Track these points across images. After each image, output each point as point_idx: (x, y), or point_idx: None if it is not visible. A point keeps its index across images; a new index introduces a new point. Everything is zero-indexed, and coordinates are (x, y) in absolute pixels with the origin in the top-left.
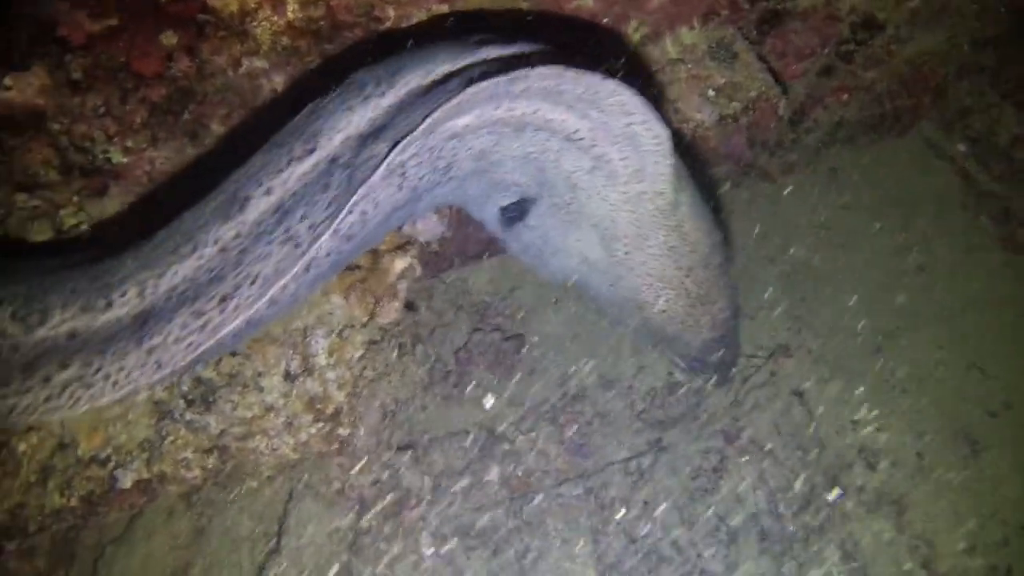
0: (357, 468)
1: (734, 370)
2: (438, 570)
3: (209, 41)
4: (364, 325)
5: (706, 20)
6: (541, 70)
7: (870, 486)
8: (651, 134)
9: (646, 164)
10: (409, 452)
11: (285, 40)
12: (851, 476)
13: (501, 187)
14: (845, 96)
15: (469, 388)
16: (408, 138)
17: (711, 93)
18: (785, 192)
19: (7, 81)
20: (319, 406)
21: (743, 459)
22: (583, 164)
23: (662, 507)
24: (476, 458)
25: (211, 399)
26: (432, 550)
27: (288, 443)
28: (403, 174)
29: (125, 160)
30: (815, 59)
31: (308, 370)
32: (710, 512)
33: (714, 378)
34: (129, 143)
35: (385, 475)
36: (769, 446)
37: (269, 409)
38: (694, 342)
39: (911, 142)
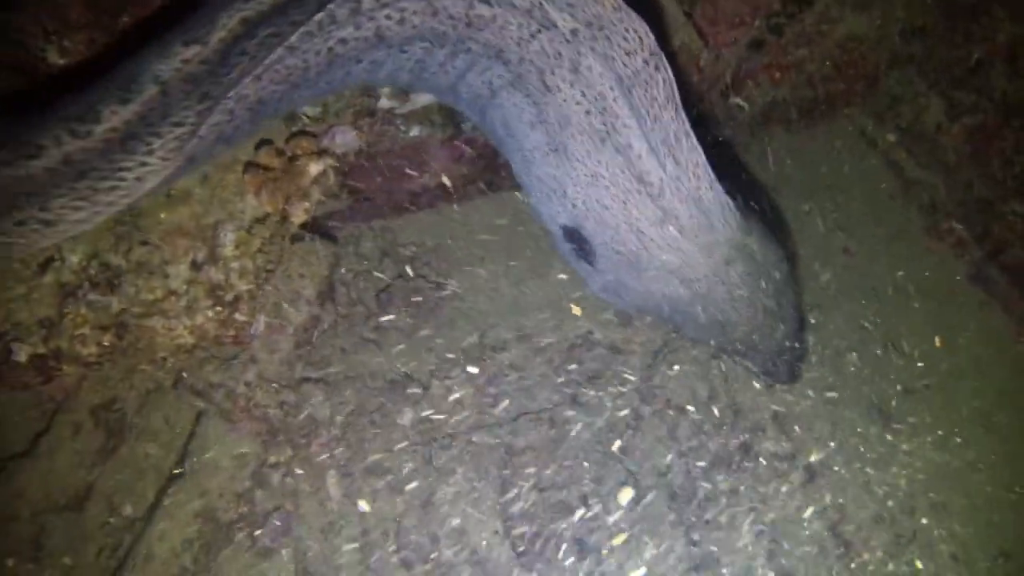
0: (263, 393)
1: (802, 367)
2: (345, 509)
3: None
4: (271, 221)
5: None
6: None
7: (783, 451)
8: (718, 201)
9: (714, 221)
10: (320, 385)
11: None
12: (764, 440)
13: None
14: (777, 74)
15: (389, 331)
16: None
17: None
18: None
19: None
20: (219, 293)
21: (657, 419)
22: (650, 214)
23: (572, 460)
24: (389, 400)
25: (116, 282)
26: (339, 490)
27: (186, 324)
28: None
29: (62, 60)
30: (746, 29)
31: (213, 260)
32: (620, 467)
33: (786, 377)
34: (66, 43)
35: (293, 405)
36: (686, 407)
37: (171, 293)
38: (772, 350)
39: (843, 128)
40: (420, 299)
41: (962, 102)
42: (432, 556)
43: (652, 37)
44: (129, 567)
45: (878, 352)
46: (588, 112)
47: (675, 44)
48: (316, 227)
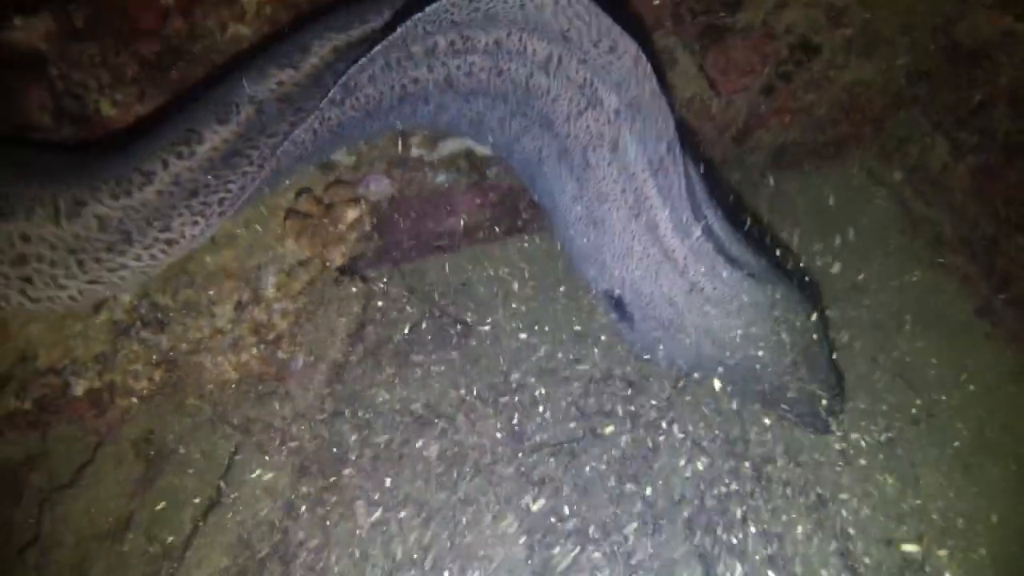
0: (297, 427)
1: (842, 415)
2: (373, 537)
3: (202, 4)
4: (311, 264)
5: (652, 30)
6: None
7: (795, 480)
8: (740, 266)
9: (738, 287)
10: (351, 419)
11: (268, 10)
12: (775, 470)
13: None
14: (787, 118)
15: (416, 368)
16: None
17: None
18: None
19: (16, 22)
20: (262, 332)
21: (672, 451)
22: (679, 286)
23: (592, 489)
24: (416, 434)
25: (166, 321)
26: (368, 520)
27: (231, 360)
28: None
29: (113, 112)
30: (756, 76)
31: (256, 300)
32: (637, 496)
33: (823, 427)
34: (119, 95)
35: (326, 439)
36: (702, 441)
37: (217, 331)
38: (809, 401)
39: (852, 169)
40: (446, 336)
41: (965, 142)
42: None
43: (674, 124)
44: None
45: (888, 383)
46: (623, 191)
47: (687, 94)
48: (351, 269)
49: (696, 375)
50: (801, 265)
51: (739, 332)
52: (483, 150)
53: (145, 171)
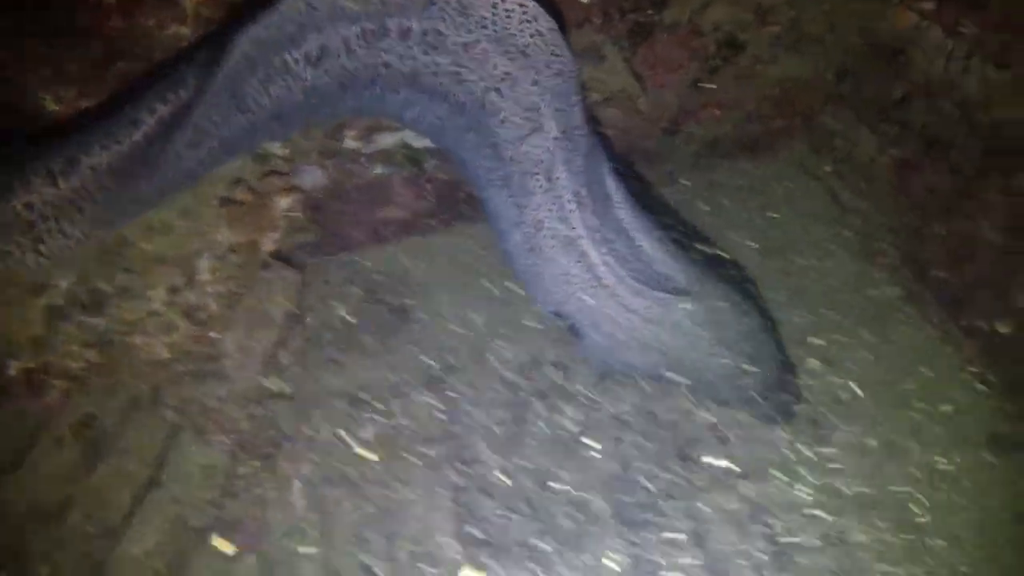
0: (233, 407)
1: (796, 408)
2: (310, 516)
3: (142, 5)
4: (243, 250)
5: (580, 26)
6: None
7: (720, 461)
8: (672, 277)
9: (670, 308)
10: (288, 402)
11: (205, 11)
12: (702, 451)
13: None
14: (717, 112)
15: (353, 353)
16: None
17: None
18: (665, 203)
19: None
20: (195, 314)
21: (602, 431)
22: (613, 306)
23: (523, 469)
24: (352, 416)
25: (102, 305)
26: (303, 499)
27: (163, 341)
28: None
29: (57, 108)
30: (684, 72)
31: (190, 284)
32: (566, 475)
33: (778, 419)
34: (62, 92)
35: (262, 419)
36: (630, 420)
37: (151, 313)
38: (758, 397)
39: (785, 162)
40: (383, 323)
41: (888, 135)
42: (390, 561)
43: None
44: (104, 571)
45: (815, 366)
46: (558, 219)
47: (616, 89)
48: (286, 256)
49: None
50: (736, 260)
51: (681, 344)
52: (421, 142)
53: (134, 119)
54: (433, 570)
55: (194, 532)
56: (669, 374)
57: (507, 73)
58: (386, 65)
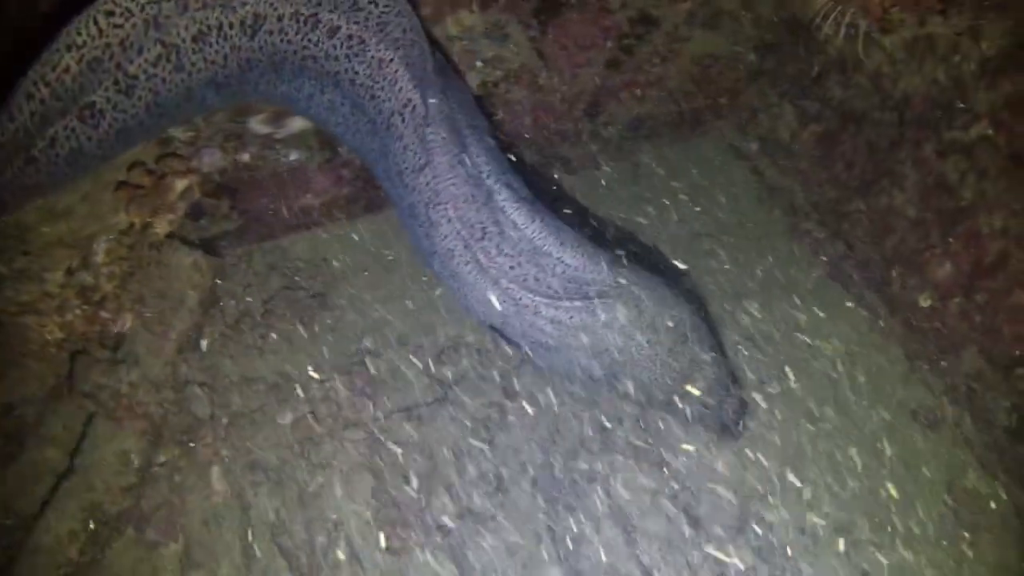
0: (145, 392)
1: (740, 424)
2: (228, 502)
3: None
4: (136, 231)
5: (485, 5)
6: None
7: (639, 439)
8: (577, 305)
9: (594, 312)
10: (204, 388)
11: None
12: (620, 429)
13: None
14: (638, 91)
15: (272, 338)
16: None
17: (479, 64)
18: (589, 185)
19: None
20: (88, 294)
21: (519, 413)
22: (540, 321)
23: (440, 452)
24: (270, 402)
25: None
26: (223, 485)
27: (56, 320)
28: None
29: None
30: (598, 50)
31: (86, 266)
32: (484, 457)
33: (722, 433)
34: None
35: (176, 404)
36: (547, 402)
37: (46, 295)
38: (692, 406)
39: (711, 141)
40: (303, 309)
41: (808, 111)
42: (308, 545)
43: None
44: (17, 561)
45: (739, 345)
46: (466, 247)
47: (515, 66)
48: (199, 241)
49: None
50: (663, 247)
51: (614, 348)
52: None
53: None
54: (351, 553)
55: (110, 520)
56: (613, 381)
57: (407, 101)
58: (314, 59)
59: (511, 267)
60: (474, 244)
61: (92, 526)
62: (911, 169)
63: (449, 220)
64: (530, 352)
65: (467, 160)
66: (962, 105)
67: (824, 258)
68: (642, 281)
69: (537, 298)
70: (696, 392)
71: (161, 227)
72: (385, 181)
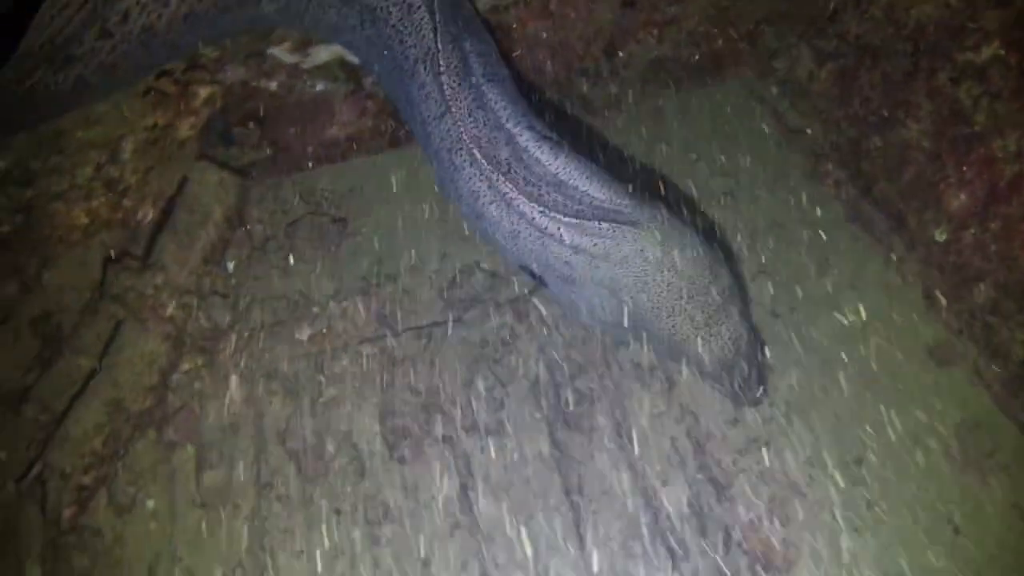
0: (168, 296)
1: (761, 391)
2: (245, 410)
3: None
4: (160, 130)
5: None
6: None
7: (644, 362)
8: (604, 228)
9: (618, 240)
10: (228, 300)
11: None
12: (626, 352)
13: None
14: (655, 31)
15: (294, 260)
16: None
17: None
18: (611, 127)
19: None
20: (114, 185)
21: (529, 335)
22: (565, 251)
23: (449, 368)
24: (290, 317)
25: (32, 180)
26: (240, 393)
27: (82, 207)
28: None
29: None
30: None
31: (113, 162)
32: (491, 374)
33: (741, 397)
34: None
35: (198, 311)
36: (557, 326)
37: (74, 186)
38: (712, 362)
39: (731, 85)
40: (326, 234)
41: (825, 49)
42: (317, 451)
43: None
44: (48, 448)
45: (754, 279)
46: (489, 187)
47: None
48: (226, 162)
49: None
50: (684, 189)
51: (634, 285)
52: (354, 59)
53: None
54: (358, 461)
55: (133, 417)
56: (630, 325)
57: (428, 51)
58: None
59: (537, 196)
60: (498, 181)
61: (116, 421)
62: (925, 99)
63: (472, 162)
64: (554, 291)
65: (488, 105)
66: (973, 26)
67: (843, 198)
68: (671, 221)
69: (561, 222)
70: (712, 351)
71: (183, 129)
72: (412, 125)
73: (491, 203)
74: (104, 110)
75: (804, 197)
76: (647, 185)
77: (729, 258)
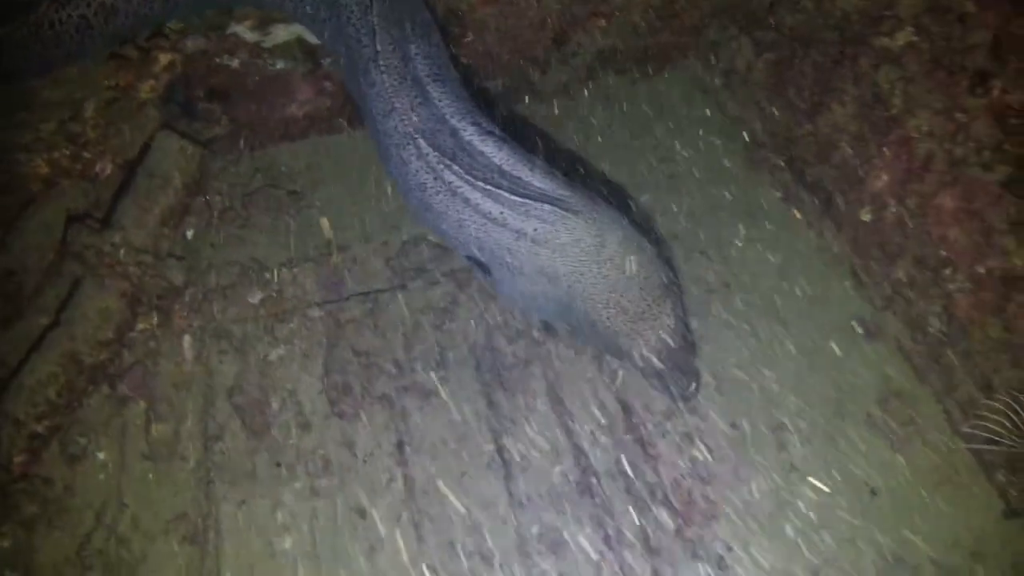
0: (126, 254)
1: (693, 388)
2: (195, 368)
3: None
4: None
5: None
6: None
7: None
8: (546, 211)
9: (557, 227)
10: (183, 263)
11: None
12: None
13: None
14: (603, 22)
15: (250, 229)
16: None
17: None
18: (557, 112)
19: None
20: (75, 139)
21: (470, 303)
22: (507, 236)
23: (392, 331)
24: (242, 282)
25: None
26: (192, 352)
27: (43, 157)
28: None
29: None
30: None
31: (75, 119)
32: (431, 339)
33: (673, 393)
34: None
35: (154, 270)
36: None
37: (38, 139)
38: (642, 357)
39: (677, 77)
40: (282, 205)
41: (763, 40)
42: (262, 407)
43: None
44: (3, 398)
45: (691, 257)
46: (435, 179)
47: None
48: (193, 139)
49: (551, 325)
50: (628, 179)
51: (571, 274)
52: (313, 39)
53: None
54: (300, 419)
55: (88, 370)
56: (565, 317)
57: (376, 51)
58: None
59: (481, 182)
60: (444, 172)
61: (70, 372)
62: (851, 84)
63: (419, 155)
64: (498, 281)
65: (432, 102)
66: (889, 13)
67: (779, 182)
68: (609, 213)
69: (504, 206)
70: (644, 345)
71: (143, 91)
72: (367, 123)
73: (437, 194)
74: (71, 74)
75: (742, 182)
76: (591, 170)
77: (666, 247)
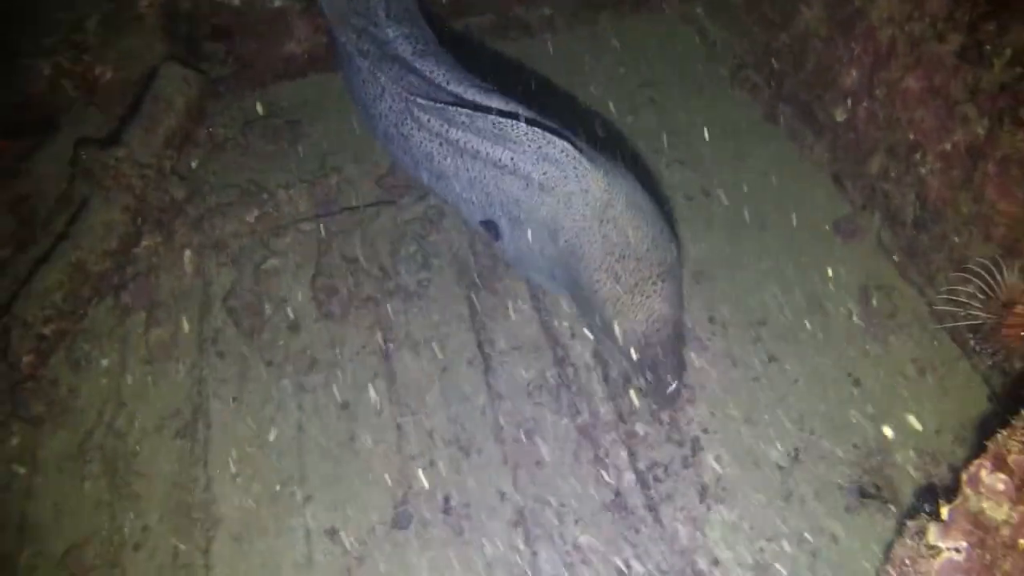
0: (130, 168)
1: (674, 387)
2: (195, 279)
3: None
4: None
5: None
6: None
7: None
8: (558, 149)
9: (567, 171)
10: (185, 182)
11: None
12: None
13: None
14: None
15: (249, 155)
16: None
17: None
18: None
19: None
20: (79, 50)
21: (455, 217)
22: (517, 184)
23: (378, 241)
24: (240, 201)
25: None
26: (192, 266)
27: (48, 61)
28: None
29: None
30: None
31: (79, 31)
32: (416, 246)
33: (649, 389)
34: None
35: (156, 185)
36: None
37: (45, 54)
38: (624, 335)
39: (664, 15)
40: (280, 133)
41: None
42: (255, 312)
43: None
44: (15, 301)
45: (666, 167)
46: (440, 144)
47: None
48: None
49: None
50: (617, 103)
51: (570, 224)
52: None
53: None
54: (290, 321)
55: (93, 278)
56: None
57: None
58: None
59: (490, 128)
60: (449, 138)
61: (76, 280)
62: None
63: (419, 127)
64: (506, 243)
65: (423, 74)
66: None
67: (760, 99)
68: (627, 177)
69: (516, 149)
70: (627, 321)
71: (142, 5)
72: (363, 118)
73: (445, 158)
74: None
75: (724, 102)
76: (578, 99)
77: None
